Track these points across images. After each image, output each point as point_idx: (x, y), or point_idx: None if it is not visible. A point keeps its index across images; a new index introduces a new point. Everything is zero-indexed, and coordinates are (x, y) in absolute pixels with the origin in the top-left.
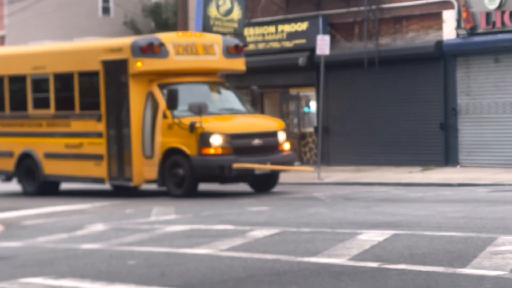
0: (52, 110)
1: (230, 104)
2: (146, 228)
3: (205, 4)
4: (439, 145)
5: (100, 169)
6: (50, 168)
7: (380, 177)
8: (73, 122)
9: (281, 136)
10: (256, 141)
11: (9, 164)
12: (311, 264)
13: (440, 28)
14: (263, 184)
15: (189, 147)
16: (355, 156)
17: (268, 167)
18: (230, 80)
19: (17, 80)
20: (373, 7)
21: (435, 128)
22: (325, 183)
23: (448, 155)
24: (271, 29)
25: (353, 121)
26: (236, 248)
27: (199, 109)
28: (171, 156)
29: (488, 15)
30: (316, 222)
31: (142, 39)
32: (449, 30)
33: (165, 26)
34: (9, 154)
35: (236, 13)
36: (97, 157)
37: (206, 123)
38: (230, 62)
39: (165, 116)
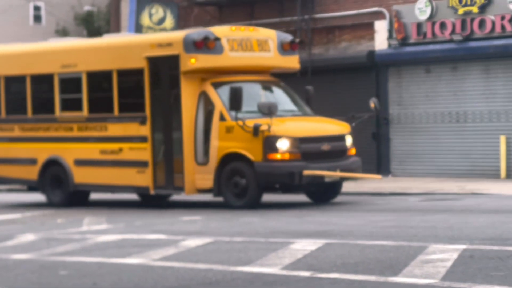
0: (84, 112)
1: (288, 105)
2: (78, 238)
3: (138, 12)
4: (371, 154)
5: (143, 177)
6: (82, 176)
7: None
8: (111, 126)
9: (349, 140)
10: (325, 146)
11: (32, 172)
12: (244, 273)
13: (372, 38)
14: (324, 194)
15: (252, 152)
16: None
17: (341, 174)
18: None
19: (42, 80)
20: (306, 16)
21: (367, 138)
22: None
23: (380, 165)
24: None
25: None
26: (169, 257)
27: (269, 110)
28: (230, 162)
29: (419, 25)
30: (249, 232)
31: (196, 33)
32: (381, 40)
33: (97, 34)
34: (32, 161)
35: (169, 22)
36: (140, 164)
37: (272, 125)
38: (284, 59)
39: (222, 118)
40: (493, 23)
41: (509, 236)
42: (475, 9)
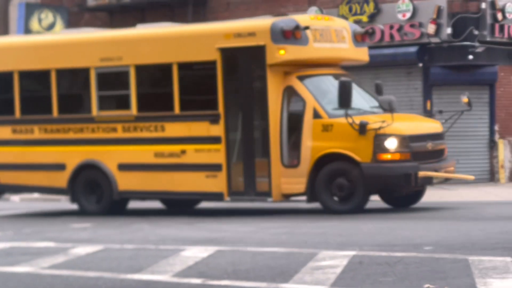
0: (133, 111)
1: (372, 101)
2: None
3: (27, 17)
4: None
5: (215, 182)
6: (128, 182)
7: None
8: (170, 125)
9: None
10: (429, 145)
11: (60, 179)
12: (135, 281)
13: None
14: (407, 198)
15: (358, 152)
16: None
17: (450, 175)
18: None
19: (71, 75)
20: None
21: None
22: None
23: None
24: None
25: None
26: (58, 265)
27: (390, 106)
28: (328, 164)
29: None
30: (139, 239)
31: (283, 21)
32: None
33: None
34: (58, 167)
35: (59, 27)
36: (210, 167)
37: (374, 123)
38: (357, 51)
39: (317, 116)
40: (382, 32)
41: (397, 242)
42: (364, 18)
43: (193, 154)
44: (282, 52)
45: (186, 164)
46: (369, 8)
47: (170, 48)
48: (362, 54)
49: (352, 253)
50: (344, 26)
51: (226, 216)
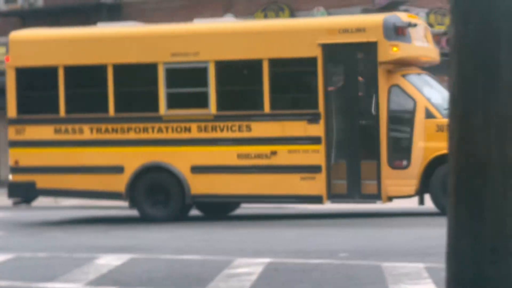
0: (212, 109)
1: None
2: None
3: None
4: None
5: (312, 185)
6: (203, 185)
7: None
8: (257, 125)
9: None
10: None
11: (117, 183)
12: None
13: None
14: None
15: None
16: None
17: None
18: None
19: (133, 71)
20: None
21: None
22: (61, 207)
23: None
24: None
25: None
26: None
27: None
28: (442, 165)
29: None
30: (52, 247)
31: (394, 17)
32: None
33: None
34: (116, 169)
35: None
36: (307, 169)
37: None
38: (436, 51)
39: (429, 115)
40: None
41: (312, 249)
42: None
43: (285, 155)
44: (395, 49)
45: (277, 166)
46: (284, 16)
47: (260, 43)
48: (437, 55)
49: (267, 260)
50: (426, 27)
51: (142, 223)
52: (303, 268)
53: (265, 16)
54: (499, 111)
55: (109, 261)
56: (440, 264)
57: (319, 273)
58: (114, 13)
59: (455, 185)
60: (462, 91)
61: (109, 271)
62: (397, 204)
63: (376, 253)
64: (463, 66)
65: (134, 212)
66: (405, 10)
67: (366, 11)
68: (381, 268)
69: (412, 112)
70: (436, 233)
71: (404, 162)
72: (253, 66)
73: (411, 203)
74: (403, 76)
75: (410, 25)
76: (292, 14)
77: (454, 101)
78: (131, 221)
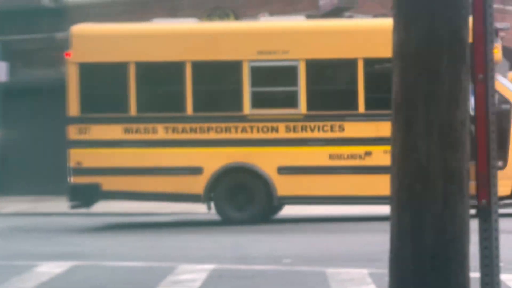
0: (302, 109)
1: None
2: None
3: None
4: None
5: None
6: (290, 186)
7: (60, 206)
8: (351, 125)
9: None
10: None
11: (195, 184)
12: None
13: None
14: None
15: None
16: (35, 185)
17: None
18: None
19: (213, 69)
20: (55, 34)
21: None
22: (1, 213)
23: None
24: None
25: (33, 150)
26: None
27: None
28: None
29: None
30: None
31: None
32: None
33: None
34: (194, 171)
35: None
36: None
37: None
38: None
39: None
40: None
41: (256, 255)
42: None
43: (381, 155)
44: (496, 51)
45: (371, 167)
46: (229, 21)
47: (355, 42)
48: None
49: (211, 266)
50: None
51: (85, 230)
52: (247, 275)
53: None
54: (440, 119)
55: (50, 269)
56: (384, 270)
57: (263, 279)
58: (57, 17)
59: (397, 191)
60: (404, 98)
61: (50, 279)
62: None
63: (321, 259)
64: (405, 73)
65: (84, 219)
66: (349, 16)
67: (310, 17)
68: (325, 273)
69: (508, 113)
70: (381, 239)
71: (500, 163)
72: (347, 65)
73: (358, 209)
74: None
75: (508, 28)
76: (237, 20)
77: (397, 107)
78: (73, 228)
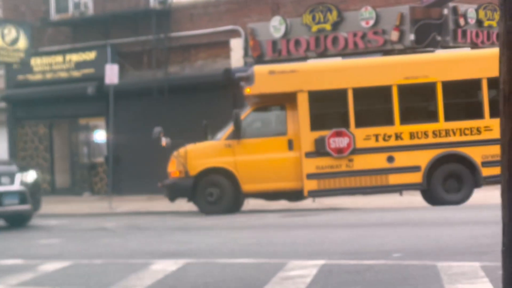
0: None
1: None
2: None
3: None
4: None
5: None
6: None
7: (172, 205)
8: None
9: None
10: None
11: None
12: None
13: (228, 56)
14: None
15: None
16: (147, 185)
17: None
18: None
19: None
20: (161, 35)
21: None
22: (117, 213)
23: None
24: (59, 58)
25: (144, 150)
26: (26, 282)
27: None
28: None
29: (274, 43)
30: (108, 253)
31: None
32: (237, 58)
33: None
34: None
35: (22, 43)
36: None
37: None
38: None
39: None
40: (346, 40)
41: (366, 250)
42: (328, 27)
43: None
44: None
45: None
46: (332, 17)
47: None
48: None
49: (321, 262)
50: None
51: (195, 228)
52: (357, 269)
53: (313, 18)
54: None
55: (164, 267)
56: (497, 263)
57: (373, 274)
58: (163, 19)
59: (507, 182)
60: None
61: (164, 276)
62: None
63: (430, 252)
64: None
65: (191, 219)
66: (454, 7)
67: (413, 9)
68: (437, 268)
69: None
70: (491, 231)
71: None
72: None
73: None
74: None
75: None
76: (340, 15)
77: (505, 98)
78: (185, 226)
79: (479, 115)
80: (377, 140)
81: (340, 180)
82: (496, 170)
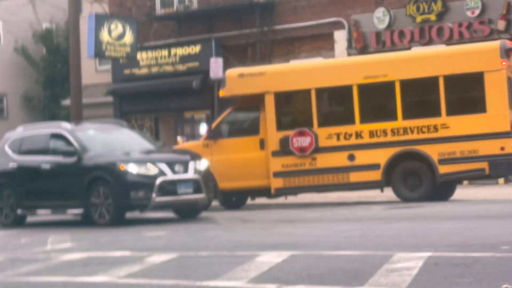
0: None
1: None
2: (43, 257)
3: (97, 29)
4: None
5: None
6: None
7: (277, 198)
8: None
9: None
10: None
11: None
12: None
13: (331, 48)
14: None
15: None
16: None
17: None
18: (124, 103)
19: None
20: (265, 28)
21: None
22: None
23: None
24: (164, 52)
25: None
26: (134, 274)
27: None
28: None
29: (378, 34)
30: (214, 245)
31: None
32: (340, 50)
33: (56, 51)
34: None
35: (128, 37)
36: None
37: None
38: None
39: None
40: (451, 30)
41: (473, 242)
42: (432, 17)
43: None
44: None
45: None
46: (437, 7)
47: None
48: None
49: (427, 254)
50: None
51: (299, 220)
52: (464, 262)
53: (417, 9)
54: None
55: (269, 259)
56: None
57: (480, 266)
58: (267, 12)
59: None
60: None
61: (269, 268)
62: None
63: None
64: None
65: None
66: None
67: None
68: None
69: None
70: None
71: None
72: None
73: None
74: None
75: None
76: (445, 5)
77: None
78: (288, 218)
79: (436, 113)
80: (338, 139)
81: (304, 178)
82: (452, 168)
